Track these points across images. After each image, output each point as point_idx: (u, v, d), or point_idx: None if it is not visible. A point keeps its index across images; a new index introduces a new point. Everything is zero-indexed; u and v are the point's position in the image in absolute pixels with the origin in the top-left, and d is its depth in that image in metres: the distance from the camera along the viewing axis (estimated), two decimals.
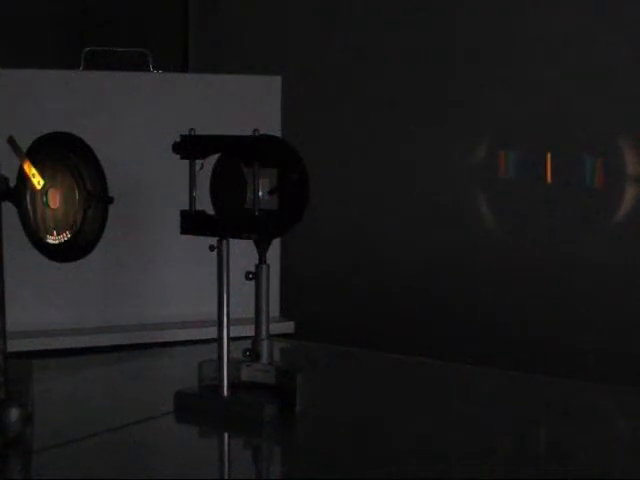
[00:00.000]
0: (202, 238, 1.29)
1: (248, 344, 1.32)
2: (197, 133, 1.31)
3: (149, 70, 1.75)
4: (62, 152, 1.20)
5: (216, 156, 1.30)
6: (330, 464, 1.14)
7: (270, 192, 1.27)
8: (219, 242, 1.28)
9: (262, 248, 1.31)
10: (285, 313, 1.79)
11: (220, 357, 1.28)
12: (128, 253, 1.71)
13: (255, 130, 1.27)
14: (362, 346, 1.69)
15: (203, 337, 1.65)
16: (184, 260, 1.71)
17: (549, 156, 1.90)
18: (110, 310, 1.71)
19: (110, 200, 1.20)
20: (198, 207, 1.31)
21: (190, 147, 1.30)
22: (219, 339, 1.28)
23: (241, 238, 1.27)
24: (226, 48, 2.30)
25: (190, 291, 1.73)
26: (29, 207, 1.21)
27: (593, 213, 1.87)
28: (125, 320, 1.71)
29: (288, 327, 1.77)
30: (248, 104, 1.75)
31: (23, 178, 1.20)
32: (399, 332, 2.01)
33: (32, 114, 1.60)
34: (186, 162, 1.31)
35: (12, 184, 1.20)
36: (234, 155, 1.28)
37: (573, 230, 1.89)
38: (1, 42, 1.97)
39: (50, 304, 1.67)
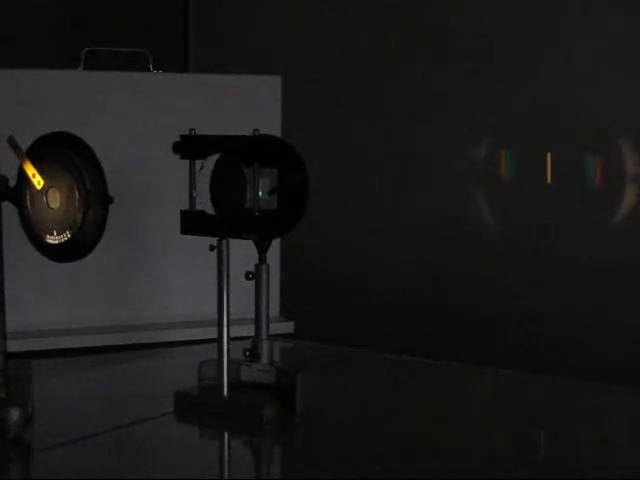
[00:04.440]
0: (202, 238, 1.29)
1: (248, 344, 1.32)
2: (197, 133, 1.31)
3: (149, 70, 1.75)
4: (62, 152, 1.20)
5: (216, 156, 1.30)
6: (330, 464, 1.14)
7: (270, 192, 1.27)
8: (219, 242, 1.28)
9: (262, 248, 1.31)
10: (285, 313, 1.79)
11: (220, 357, 1.28)
12: (128, 253, 1.71)
13: (255, 130, 1.27)
14: (362, 346, 1.69)
15: (203, 337, 1.65)
16: (184, 260, 1.71)
17: (549, 156, 1.90)
18: (110, 310, 1.71)
19: (110, 200, 1.20)
20: (198, 207, 1.31)
21: (190, 147, 1.30)
22: (219, 339, 1.28)
23: (241, 238, 1.27)
24: (226, 48, 2.30)
25: (190, 291, 1.73)
26: (29, 207, 1.21)
27: (593, 213, 1.87)
28: (125, 320, 1.71)
29: (288, 327, 1.77)
30: (248, 104, 1.74)
31: (23, 178, 1.20)
32: (399, 332, 2.01)
33: (32, 114, 1.60)
34: (186, 162, 1.31)
35: (12, 184, 1.21)
36: (234, 155, 1.28)
37: (573, 230, 1.89)
38: (1, 42, 1.97)
39: (50, 304, 1.67)
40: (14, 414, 1.15)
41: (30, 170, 1.19)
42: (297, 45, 2.19)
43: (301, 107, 2.03)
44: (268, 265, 1.31)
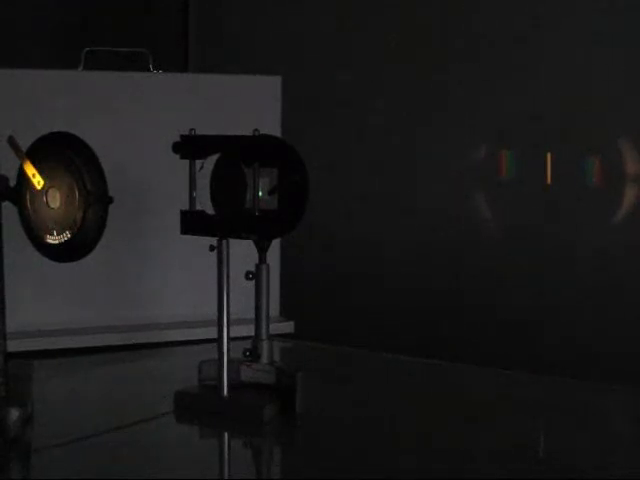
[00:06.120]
0: (202, 238, 1.29)
1: (248, 344, 1.32)
2: (197, 133, 1.31)
3: (149, 70, 1.75)
4: (62, 152, 1.20)
5: (216, 156, 1.30)
6: (330, 464, 1.14)
7: (270, 192, 1.27)
8: (219, 242, 1.28)
9: (262, 248, 1.31)
10: (285, 313, 1.79)
11: (220, 357, 1.28)
12: (128, 253, 1.71)
13: (255, 130, 1.27)
14: (362, 346, 1.69)
15: (203, 337, 1.65)
16: (184, 260, 1.71)
17: (549, 156, 1.90)
18: (110, 310, 1.71)
19: (110, 200, 1.20)
20: (198, 207, 1.31)
21: (190, 147, 1.30)
22: (219, 339, 1.28)
23: (241, 238, 1.27)
24: (226, 48, 2.30)
25: (190, 291, 1.73)
26: (29, 207, 1.21)
27: (593, 212, 1.87)
28: (125, 320, 1.71)
29: (288, 327, 1.77)
30: (248, 104, 1.74)
31: (23, 178, 1.20)
32: (399, 332, 2.01)
33: (32, 114, 1.60)
34: (186, 162, 1.31)
35: (12, 184, 1.21)
36: (234, 155, 1.28)
37: (573, 230, 1.89)
38: (1, 42, 1.97)
39: (50, 304, 1.67)
40: (14, 414, 1.15)
41: (30, 170, 1.19)
42: (297, 45, 2.19)
43: (301, 107, 2.03)
44: (268, 265, 1.31)
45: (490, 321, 1.96)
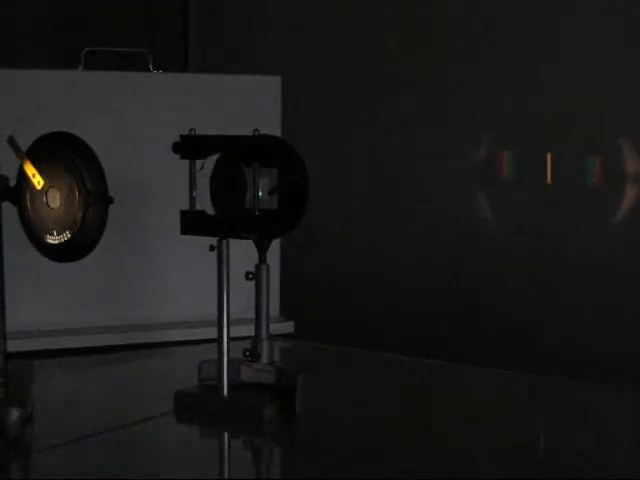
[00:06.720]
0: (202, 238, 1.29)
1: (248, 344, 1.32)
2: (197, 133, 1.31)
3: (149, 70, 1.75)
4: (62, 152, 1.20)
5: (216, 156, 1.30)
6: (330, 464, 1.14)
7: (270, 192, 1.27)
8: (219, 242, 1.28)
9: (262, 248, 1.31)
10: (285, 313, 1.79)
11: (220, 357, 1.28)
12: (128, 253, 1.71)
13: (255, 130, 1.27)
14: (362, 346, 1.69)
15: (203, 337, 1.65)
16: (184, 260, 1.71)
17: (549, 156, 1.90)
18: (110, 310, 1.71)
19: (110, 200, 1.20)
20: (198, 207, 1.31)
21: (190, 147, 1.30)
22: (219, 339, 1.28)
23: (241, 238, 1.27)
24: (226, 48, 2.30)
25: (190, 291, 1.73)
26: (29, 207, 1.21)
27: (593, 212, 1.87)
28: (125, 320, 1.71)
29: (288, 327, 1.77)
30: (248, 104, 1.74)
31: (23, 178, 1.20)
32: (399, 332, 2.01)
33: (32, 114, 1.60)
34: (186, 162, 1.31)
35: (12, 184, 1.21)
36: (234, 155, 1.28)
37: (573, 230, 1.89)
38: (1, 42, 1.97)
39: (50, 304, 1.67)
40: (14, 414, 1.15)
41: (30, 170, 1.19)
42: (297, 45, 2.19)
43: (301, 107, 2.03)
44: (268, 265, 1.31)
45: (490, 321, 1.96)
